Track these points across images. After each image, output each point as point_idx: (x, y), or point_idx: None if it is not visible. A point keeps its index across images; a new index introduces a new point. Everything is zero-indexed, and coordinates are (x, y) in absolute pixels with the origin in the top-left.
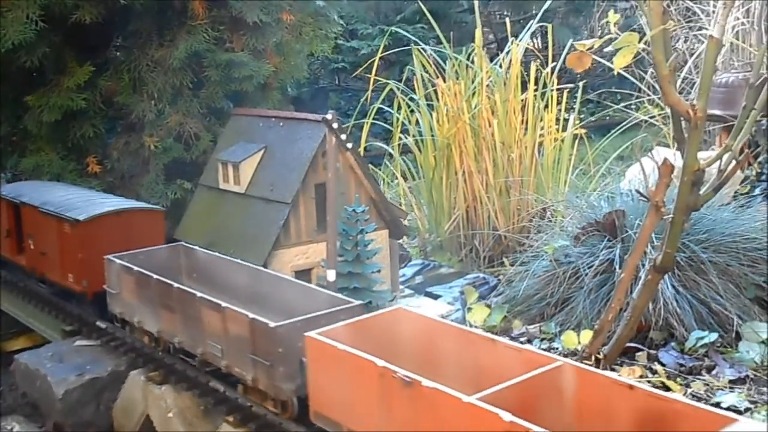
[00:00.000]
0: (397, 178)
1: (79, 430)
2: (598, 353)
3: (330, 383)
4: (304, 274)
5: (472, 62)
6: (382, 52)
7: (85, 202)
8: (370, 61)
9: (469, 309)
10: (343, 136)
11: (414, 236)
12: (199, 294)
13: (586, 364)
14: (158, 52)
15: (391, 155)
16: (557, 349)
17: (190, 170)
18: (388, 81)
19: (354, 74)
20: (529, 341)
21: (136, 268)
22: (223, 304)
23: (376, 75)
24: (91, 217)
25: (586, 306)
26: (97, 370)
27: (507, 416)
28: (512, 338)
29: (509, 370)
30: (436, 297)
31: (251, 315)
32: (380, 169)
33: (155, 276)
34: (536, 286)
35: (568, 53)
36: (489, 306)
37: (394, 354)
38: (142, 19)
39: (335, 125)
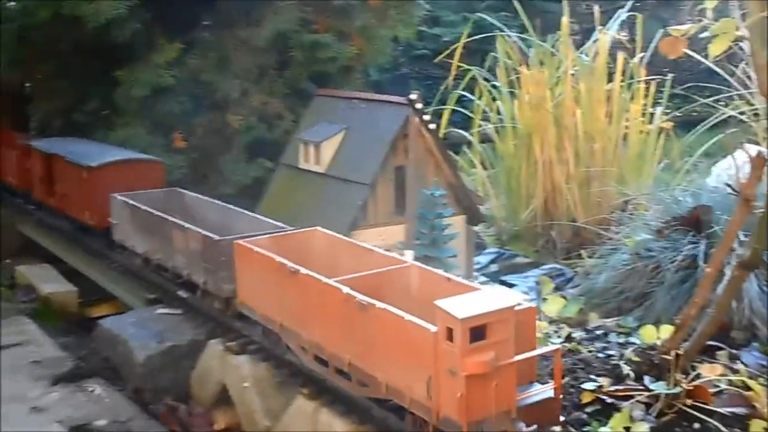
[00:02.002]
0: (475, 166)
1: (158, 395)
2: (678, 349)
3: (249, 279)
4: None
5: (557, 51)
6: (465, 40)
7: (99, 153)
8: (452, 48)
9: (544, 300)
10: (426, 117)
11: (490, 224)
12: (170, 218)
13: (663, 359)
14: (245, 31)
15: (469, 143)
16: (634, 343)
17: (272, 149)
18: (471, 68)
19: (436, 60)
20: (605, 335)
21: (131, 201)
22: (186, 225)
23: (458, 62)
24: (102, 164)
25: (666, 301)
26: (177, 338)
27: (345, 290)
28: (588, 331)
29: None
30: (510, 286)
31: (203, 232)
32: (458, 157)
33: (142, 207)
34: (615, 280)
35: (659, 40)
36: (565, 297)
37: (305, 261)
38: None
39: (419, 106)
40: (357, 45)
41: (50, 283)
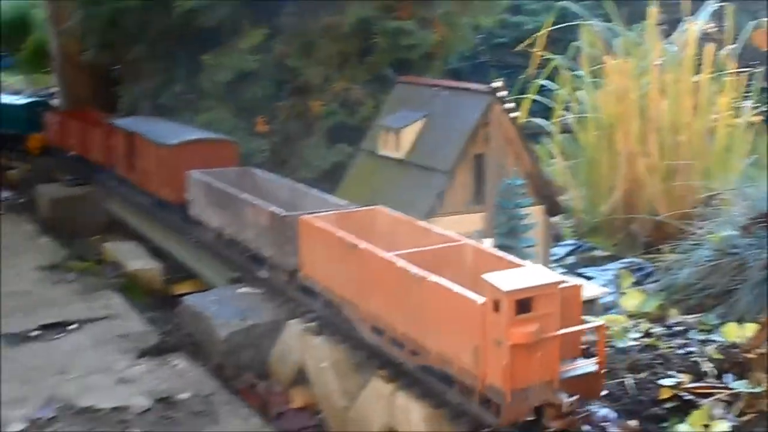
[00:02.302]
0: (554, 157)
1: (238, 372)
2: (762, 348)
3: (312, 253)
4: None
5: (644, 41)
6: (548, 28)
7: (177, 132)
8: (534, 36)
9: (623, 293)
10: (508, 105)
11: (569, 216)
12: (241, 195)
13: (746, 358)
14: (329, 18)
15: (549, 133)
16: (716, 341)
17: (352, 135)
18: (554, 57)
19: (516, 49)
20: (686, 331)
21: (205, 178)
22: (255, 201)
23: (540, 51)
24: (179, 143)
25: (750, 299)
26: (258, 317)
27: (400, 263)
28: (668, 327)
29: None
30: (588, 278)
31: (271, 207)
32: (538, 147)
33: (216, 183)
34: (697, 276)
35: (752, 32)
36: (644, 292)
37: (366, 237)
38: None
39: (501, 94)
40: (439, 32)
41: (136, 260)
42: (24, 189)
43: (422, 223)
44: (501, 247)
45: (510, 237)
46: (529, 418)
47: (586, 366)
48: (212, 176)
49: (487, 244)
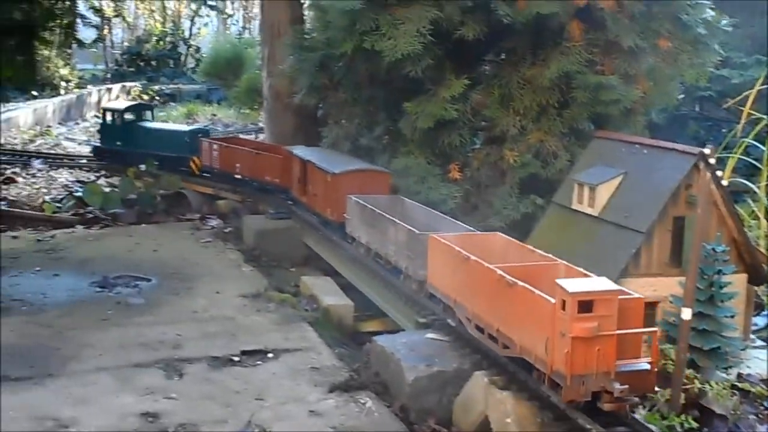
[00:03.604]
0: (757, 218)
1: (422, 416)
2: None
3: (436, 265)
4: (649, 306)
5: None
6: (760, 84)
7: (342, 162)
8: (745, 94)
9: None
10: (719, 173)
11: None
12: (386, 215)
13: None
14: (530, 70)
15: (754, 193)
16: None
17: (544, 187)
18: (763, 117)
19: (726, 106)
20: None
21: (361, 201)
22: (396, 221)
23: (749, 109)
24: (342, 172)
25: None
26: (444, 364)
27: (498, 271)
28: None
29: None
30: None
31: (408, 226)
32: (738, 206)
33: (368, 206)
34: None
35: None
36: None
37: (483, 256)
38: (519, 37)
39: (712, 161)
40: (642, 87)
41: (330, 296)
42: (231, 218)
43: (529, 247)
44: (699, 315)
45: (709, 305)
46: (586, 400)
47: (641, 364)
48: (366, 200)
49: (686, 313)
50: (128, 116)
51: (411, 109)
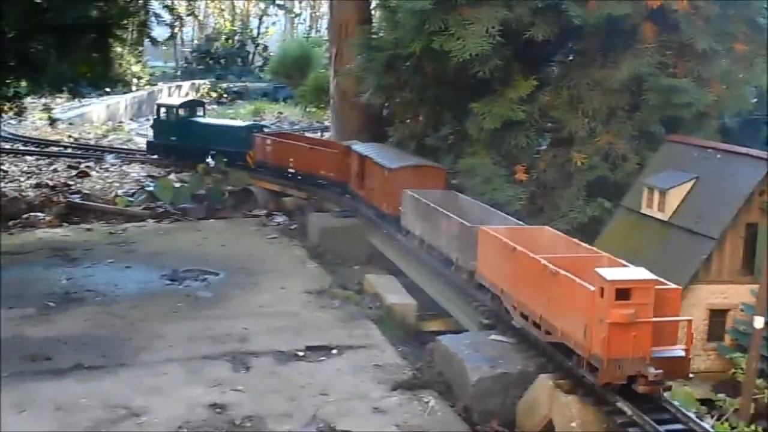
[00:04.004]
0: None
1: (485, 417)
2: None
3: (486, 256)
4: (719, 314)
5: None
6: None
7: (398, 158)
8: None
9: None
10: None
11: None
12: (439, 209)
13: None
14: (600, 72)
15: None
16: None
17: (612, 190)
18: None
19: None
20: None
21: (416, 195)
22: (449, 214)
23: None
24: (398, 167)
25: None
26: (508, 366)
27: (543, 261)
28: None
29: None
30: None
31: (460, 219)
32: None
33: (423, 199)
34: None
35: None
36: None
37: (531, 248)
38: (590, 38)
39: None
40: (716, 91)
41: (394, 294)
42: (296, 216)
43: (576, 240)
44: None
45: None
46: (622, 382)
47: (676, 351)
48: (421, 194)
49: (759, 322)
50: (182, 112)
51: (478, 110)
